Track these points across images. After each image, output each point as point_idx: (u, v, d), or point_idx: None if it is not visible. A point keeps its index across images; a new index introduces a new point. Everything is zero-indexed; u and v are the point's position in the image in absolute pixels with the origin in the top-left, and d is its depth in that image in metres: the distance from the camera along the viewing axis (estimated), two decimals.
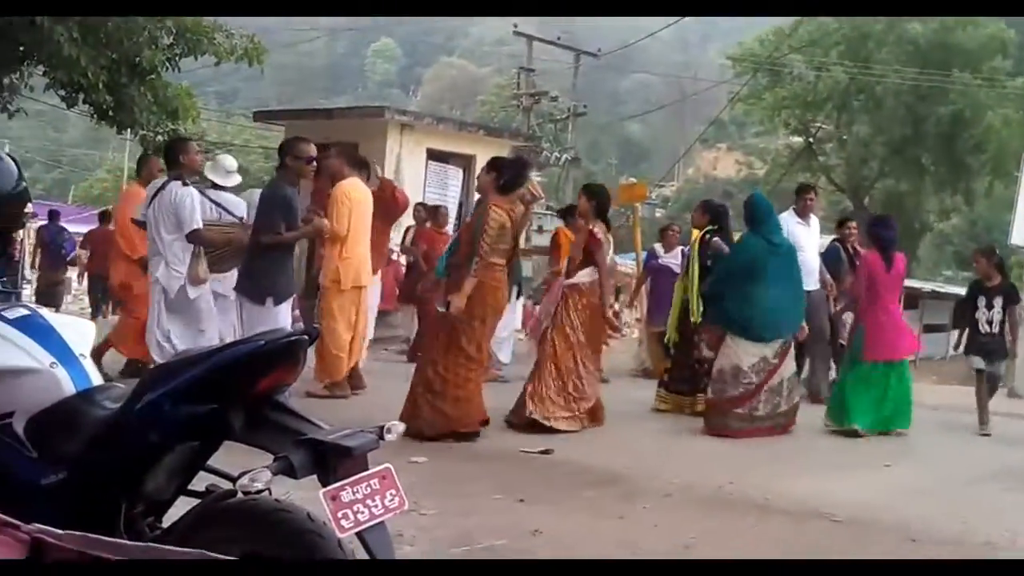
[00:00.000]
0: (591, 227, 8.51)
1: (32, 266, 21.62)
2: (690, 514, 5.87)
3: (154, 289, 8.12)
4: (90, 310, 20.29)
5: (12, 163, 3.33)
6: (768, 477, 6.94)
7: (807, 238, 10.59)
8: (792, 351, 8.78)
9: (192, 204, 8.00)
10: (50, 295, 19.48)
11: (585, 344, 8.37)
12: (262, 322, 7.34)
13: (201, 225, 8.07)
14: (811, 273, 10.32)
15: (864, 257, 9.43)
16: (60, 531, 1.39)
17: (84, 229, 28.59)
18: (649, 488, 6.43)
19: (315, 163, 8.18)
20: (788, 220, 10.41)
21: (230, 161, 9.36)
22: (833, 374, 10.58)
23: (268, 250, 7.85)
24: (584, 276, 8.43)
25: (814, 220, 10.97)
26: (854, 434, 8.67)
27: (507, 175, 7.76)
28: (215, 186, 9.02)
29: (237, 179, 9.22)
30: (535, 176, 33.15)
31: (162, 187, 8.12)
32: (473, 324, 7.61)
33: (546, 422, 8.03)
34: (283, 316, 7.84)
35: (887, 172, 35.57)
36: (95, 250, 19.17)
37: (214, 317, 8.26)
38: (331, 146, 9.60)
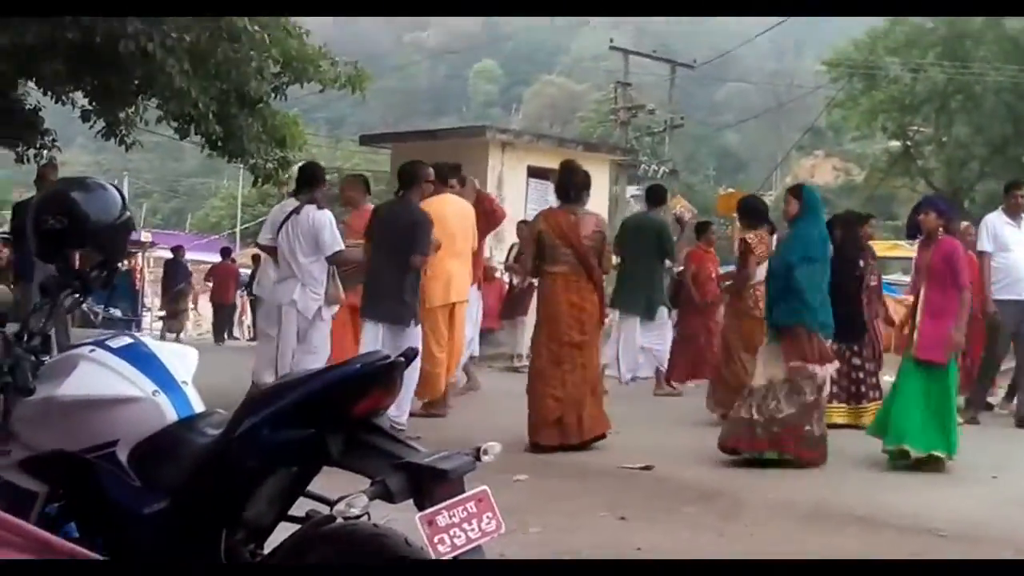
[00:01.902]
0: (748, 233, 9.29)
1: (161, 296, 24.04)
2: (790, 529, 5.76)
3: (287, 312, 8.22)
4: (212, 335, 21.94)
5: (116, 193, 3.37)
6: (869, 490, 6.81)
7: (1017, 240, 9.75)
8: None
9: (332, 226, 8.17)
10: (174, 321, 22.88)
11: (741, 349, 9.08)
12: (410, 342, 7.70)
13: (343, 246, 8.20)
14: (1022, 280, 9.66)
15: (954, 244, 7.87)
16: None
17: (203, 256, 30.05)
18: (749, 503, 6.36)
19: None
20: (995, 221, 9.80)
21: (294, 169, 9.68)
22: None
23: (414, 272, 8.10)
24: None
25: None
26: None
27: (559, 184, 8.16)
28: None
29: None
30: (634, 190, 32.94)
31: (294, 211, 8.25)
32: None
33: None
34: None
35: (988, 173, 34.48)
36: (218, 282, 21.09)
37: (327, 346, 8.38)
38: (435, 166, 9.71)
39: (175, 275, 22.99)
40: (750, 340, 8.96)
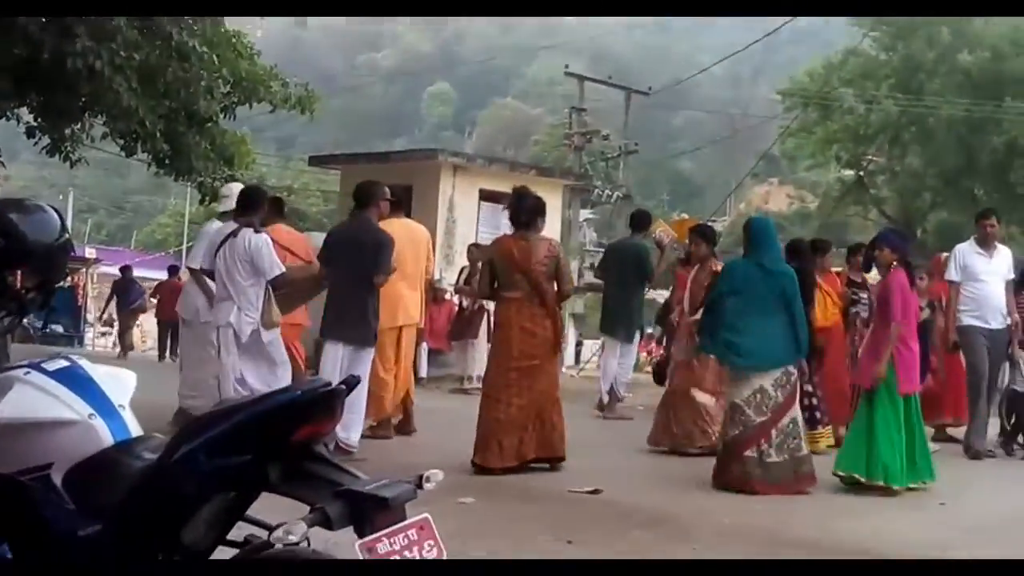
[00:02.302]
0: (714, 266, 9.23)
1: (105, 313, 24.43)
2: (737, 555, 5.76)
3: (224, 334, 8.16)
4: (157, 352, 22.50)
5: (55, 214, 3.38)
6: (820, 517, 6.83)
7: (987, 270, 9.73)
8: (797, 389, 7.91)
9: (270, 250, 8.08)
10: (125, 339, 23.11)
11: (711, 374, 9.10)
12: (364, 364, 8.02)
13: (283, 269, 8.16)
14: (993, 309, 9.65)
15: (896, 277, 7.90)
16: None
17: (148, 273, 30.17)
18: (698, 528, 6.35)
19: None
20: (965, 251, 9.81)
21: (227, 188, 9.67)
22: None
23: (375, 292, 8.13)
24: None
25: (1001, 250, 9.95)
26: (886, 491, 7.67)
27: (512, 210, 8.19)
28: (222, 216, 9.28)
29: (230, 204, 9.20)
30: (588, 213, 33.18)
31: (233, 234, 8.21)
32: None
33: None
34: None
35: (940, 203, 35.11)
36: (163, 298, 21.47)
37: (286, 359, 8.32)
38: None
39: (128, 292, 23.12)
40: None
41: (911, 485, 7.77)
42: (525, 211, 8.05)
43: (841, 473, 7.84)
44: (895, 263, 7.91)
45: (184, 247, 44.85)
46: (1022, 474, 9.30)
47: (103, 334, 26.77)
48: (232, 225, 8.30)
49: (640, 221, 11.91)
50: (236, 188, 9.35)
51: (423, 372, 13.79)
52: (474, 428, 7.92)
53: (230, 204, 9.12)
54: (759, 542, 6.09)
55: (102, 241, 50.86)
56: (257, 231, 8.15)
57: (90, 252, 33.36)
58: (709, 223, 13.99)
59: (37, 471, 3.07)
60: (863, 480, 7.68)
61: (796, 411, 7.81)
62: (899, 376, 7.74)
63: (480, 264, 8.01)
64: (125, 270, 24.13)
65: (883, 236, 8.46)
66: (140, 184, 62.15)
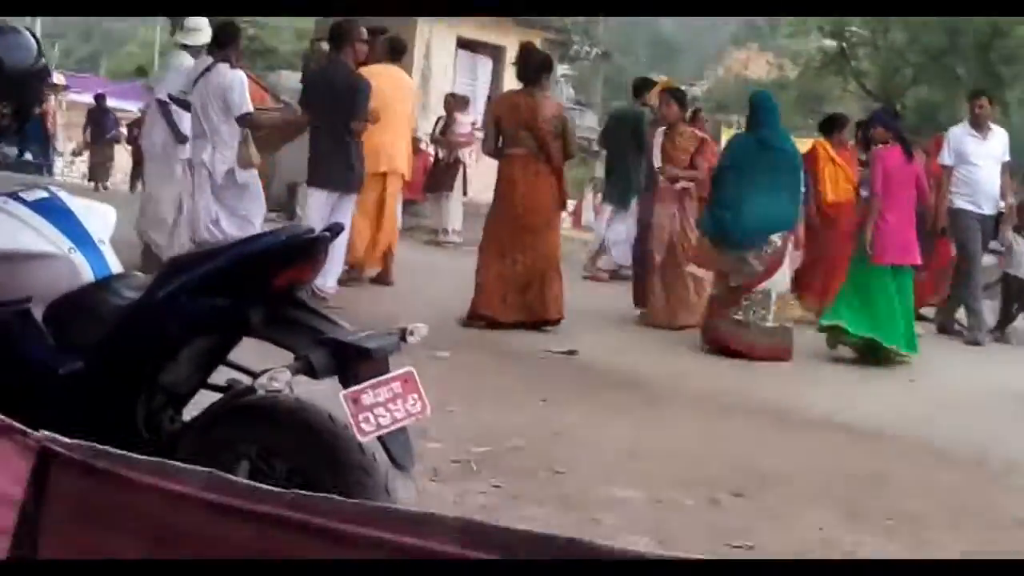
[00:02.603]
0: (697, 132, 8.99)
1: (82, 143, 23.46)
2: (710, 422, 5.84)
3: (198, 173, 7.96)
4: (129, 184, 21.72)
5: (31, 37, 3.26)
6: (788, 389, 6.86)
7: (981, 152, 9.42)
8: (785, 264, 7.94)
9: (242, 87, 7.86)
10: (99, 171, 22.33)
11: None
12: (348, 211, 7.96)
13: (252, 109, 7.94)
14: (987, 195, 9.40)
15: (879, 152, 8.10)
16: (69, 440, 1.30)
17: (121, 104, 29.36)
18: (670, 392, 6.39)
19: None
20: (958, 134, 9.55)
21: (194, 20, 9.15)
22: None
23: (356, 138, 7.96)
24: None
25: (996, 132, 9.60)
26: (837, 337, 7.92)
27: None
28: (184, 47, 8.97)
29: (204, 38, 8.86)
30: (565, 69, 32.37)
31: (208, 69, 7.95)
32: None
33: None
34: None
35: (921, 80, 34.80)
36: (142, 131, 20.59)
37: (262, 204, 8.19)
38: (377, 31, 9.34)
39: (103, 124, 22.19)
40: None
41: (896, 354, 7.82)
42: (532, 68, 7.97)
43: (826, 324, 7.97)
44: (889, 141, 8.02)
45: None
46: (994, 353, 9.32)
47: (70, 163, 26.11)
48: (207, 60, 8.07)
49: (638, 88, 11.65)
50: (202, 22, 9.06)
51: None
52: (451, 280, 7.92)
53: (197, 38, 8.89)
54: (724, 407, 6.16)
55: (71, 68, 49.52)
56: (232, 67, 7.93)
57: (58, 78, 32.41)
58: (690, 85, 13.78)
59: (15, 305, 2.99)
60: (849, 331, 7.79)
61: (778, 284, 7.79)
62: (876, 246, 7.80)
63: (485, 120, 7.89)
64: (99, 99, 23.26)
65: (876, 115, 8.70)
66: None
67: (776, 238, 7.75)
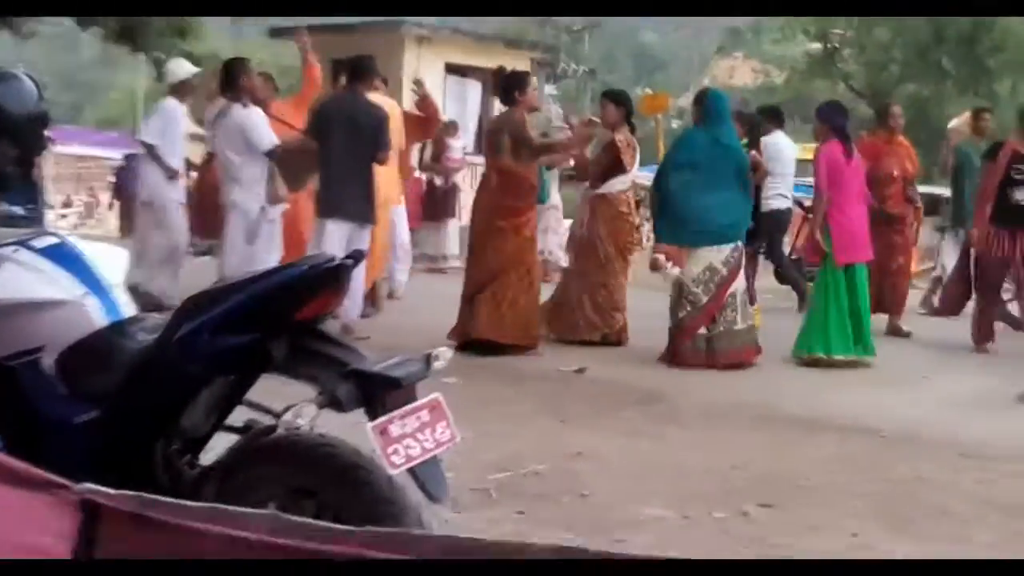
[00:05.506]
0: (617, 135, 8.30)
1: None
2: (733, 433, 5.75)
3: (234, 214, 7.94)
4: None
5: (31, 83, 3.19)
6: (809, 394, 6.79)
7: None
8: (741, 263, 7.74)
9: (260, 123, 7.86)
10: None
11: (615, 256, 8.26)
12: (366, 241, 7.75)
13: (277, 141, 7.90)
14: None
15: (823, 148, 7.93)
16: (113, 491, 1.23)
17: (104, 152, 29.19)
18: (689, 407, 6.29)
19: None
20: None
21: (174, 63, 9.49)
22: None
23: (373, 169, 7.88)
24: (613, 186, 8.31)
25: None
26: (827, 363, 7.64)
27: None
28: (172, 91, 9.08)
29: (184, 72, 9.08)
30: (552, 89, 32.44)
31: (220, 113, 7.96)
32: None
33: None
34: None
35: (908, 76, 34.83)
36: (130, 177, 20.51)
37: (279, 241, 8.15)
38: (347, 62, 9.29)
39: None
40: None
41: (852, 357, 7.68)
42: (505, 90, 8.06)
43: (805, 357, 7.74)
44: (830, 136, 7.91)
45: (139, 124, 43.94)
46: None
47: (62, 216, 26.06)
48: (221, 102, 8.08)
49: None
50: (183, 65, 9.28)
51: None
52: (453, 308, 7.79)
53: (178, 75, 9.10)
54: (749, 419, 6.06)
55: (58, 119, 49.57)
56: (245, 106, 7.90)
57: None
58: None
59: (26, 356, 2.90)
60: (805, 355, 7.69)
61: (739, 284, 7.63)
62: (834, 246, 7.68)
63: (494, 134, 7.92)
64: (128, 158, 23.01)
65: (818, 110, 8.48)
66: (92, 59, 60.48)
67: (742, 243, 7.69)
